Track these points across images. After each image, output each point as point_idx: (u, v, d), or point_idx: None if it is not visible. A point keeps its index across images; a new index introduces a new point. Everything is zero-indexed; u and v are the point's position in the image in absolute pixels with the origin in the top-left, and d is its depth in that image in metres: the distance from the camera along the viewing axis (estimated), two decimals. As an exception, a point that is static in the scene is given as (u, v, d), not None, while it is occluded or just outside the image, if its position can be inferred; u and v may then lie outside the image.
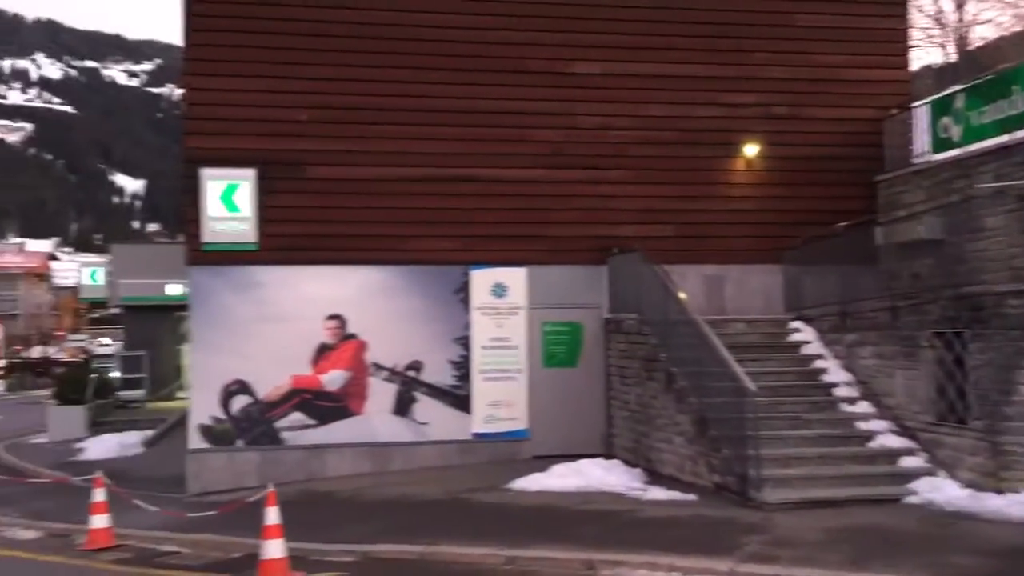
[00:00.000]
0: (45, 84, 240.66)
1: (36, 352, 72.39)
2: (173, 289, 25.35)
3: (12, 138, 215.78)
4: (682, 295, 11.78)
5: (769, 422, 10.17)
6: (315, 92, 13.35)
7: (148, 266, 24.82)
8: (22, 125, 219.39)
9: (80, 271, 26.73)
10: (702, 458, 10.73)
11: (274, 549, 8.03)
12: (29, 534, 11.00)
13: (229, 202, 13.05)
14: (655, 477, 11.53)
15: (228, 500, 10.72)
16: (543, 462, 12.20)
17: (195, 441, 12.95)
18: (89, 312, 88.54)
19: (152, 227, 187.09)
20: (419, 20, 13.65)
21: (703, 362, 10.66)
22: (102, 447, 18.57)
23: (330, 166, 13.38)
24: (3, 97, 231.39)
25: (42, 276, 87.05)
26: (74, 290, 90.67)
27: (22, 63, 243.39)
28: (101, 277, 25.23)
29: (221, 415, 12.98)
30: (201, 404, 12.97)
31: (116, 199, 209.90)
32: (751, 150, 14.35)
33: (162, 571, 8.87)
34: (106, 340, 74.18)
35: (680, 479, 11.14)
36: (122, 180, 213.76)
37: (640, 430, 12.57)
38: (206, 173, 13.00)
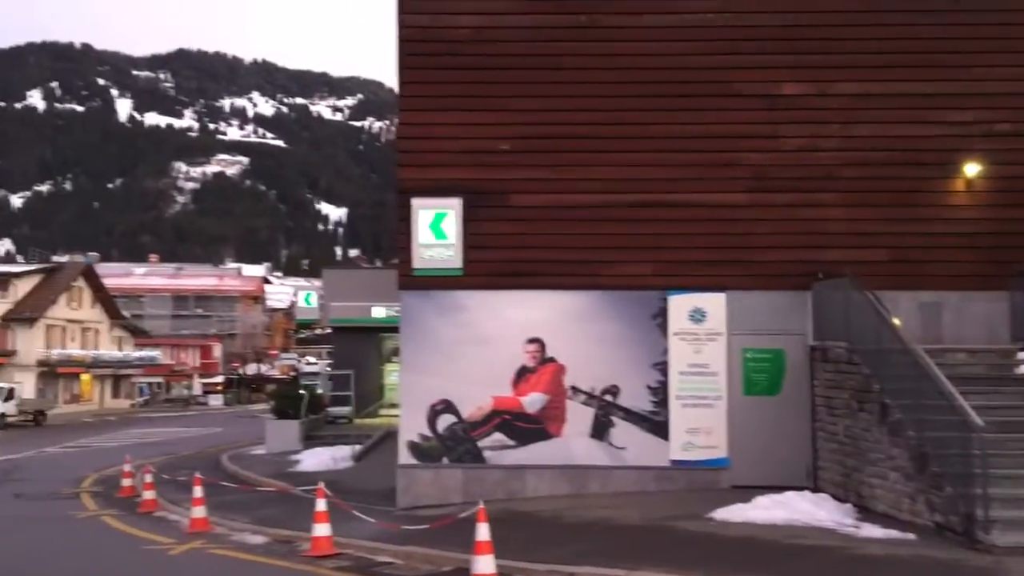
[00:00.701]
0: (260, 120, 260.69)
1: (251, 369, 78.37)
2: (379, 312, 26.78)
3: (231, 171, 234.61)
4: (896, 322, 11.23)
5: (998, 459, 9.48)
6: (519, 123, 13.79)
7: (356, 290, 26.33)
8: (239, 159, 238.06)
9: (296, 294, 28.57)
10: (921, 495, 10.14)
11: (484, 565, 8.31)
12: (257, 539, 11.88)
13: (437, 230, 13.67)
14: (867, 514, 11.00)
15: (437, 515, 11.16)
16: (743, 492, 11.92)
17: (404, 457, 13.57)
18: (296, 332, 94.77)
19: (353, 252, 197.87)
20: (622, 48, 13.83)
21: (922, 394, 10.09)
22: (315, 460, 19.78)
23: (531, 194, 13.74)
24: (224, 133, 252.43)
25: (257, 299, 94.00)
26: (285, 312, 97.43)
27: (240, 101, 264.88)
28: (314, 300, 26.89)
29: (428, 433, 13.55)
30: (410, 422, 13.60)
31: (321, 226, 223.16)
32: (971, 169, 13.48)
33: (379, 581, 9.37)
34: (311, 359, 79.00)
35: (896, 517, 10.56)
36: (326, 208, 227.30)
37: (850, 464, 12.03)
38: (417, 203, 13.69)
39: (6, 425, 41.02)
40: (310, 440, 23.62)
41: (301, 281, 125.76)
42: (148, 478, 15.57)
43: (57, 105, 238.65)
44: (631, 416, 13.47)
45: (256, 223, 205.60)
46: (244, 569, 10.30)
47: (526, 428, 13.54)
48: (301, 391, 25.07)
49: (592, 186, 13.72)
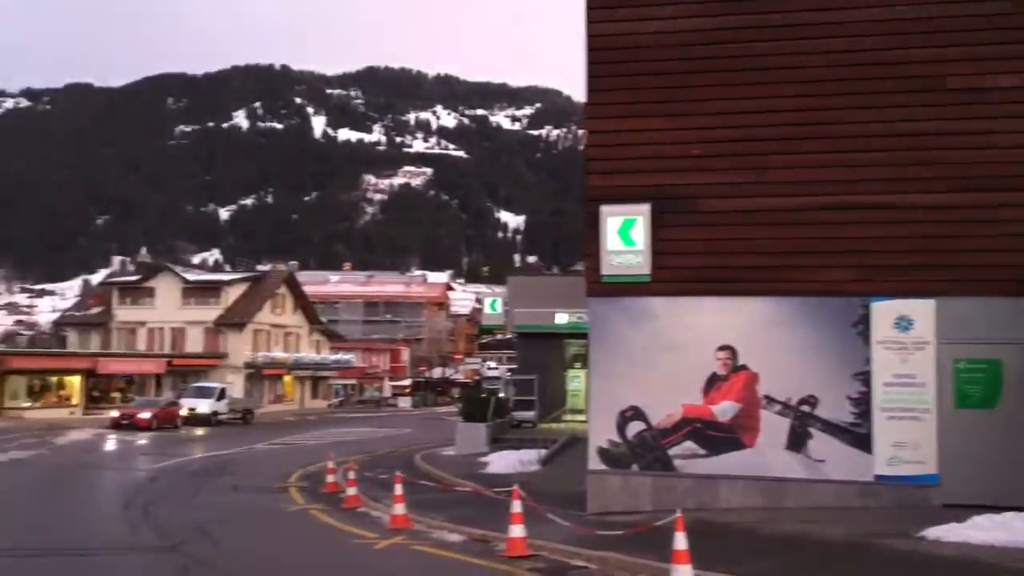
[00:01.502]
0: (443, 132, 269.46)
1: (436, 373, 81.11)
2: (562, 318, 27.09)
3: (416, 182, 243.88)
4: None
5: None
6: (707, 127, 13.57)
7: (540, 296, 26.77)
8: (424, 170, 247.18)
9: (481, 300, 29.32)
10: None
11: (682, 574, 8.23)
12: (455, 537, 12.28)
13: (626, 236, 13.67)
14: (1102, 540, 10.06)
15: (629, 521, 11.18)
16: (957, 511, 11.19)
17: (594, 462, 13.64)
18: (479, 337, 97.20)
19: (531, 259, 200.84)
20: (817, 46, 13.34)
21: None
22: (503, 462, 20.24)
23: (722, 198, 13.49)
24: (409, 146, 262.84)
25: (441, 305, 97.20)
26: (467, 317, 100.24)
27: (424, 115, 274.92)
28: (499, 306, 27.53)
29: (617, 439, 13.56)
30: (600, 428, 13.66)
31: (500, 234, 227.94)
32: None
33: (575, 584, 9.47)
34: (492, 364, 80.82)
35: None
36: (505, 216, 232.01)
37: (1079, 484, 11.05)
38: (605, 210, 13.75)
39: (219, 423, 44.37)
40: (496, 443, 24.18)
41: (482, 287, 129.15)
42: (351, 475, 16.40)
43: (259, 124, 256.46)
44: (830, 428, 12.95)
45: (439, 232, 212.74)
46: (445, 566, 10.69)
47: (718, 437, 13.29)
48: (486, 395, 25.72)
49: (785, 189, 13.29)
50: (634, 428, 13.54)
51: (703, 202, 13.56)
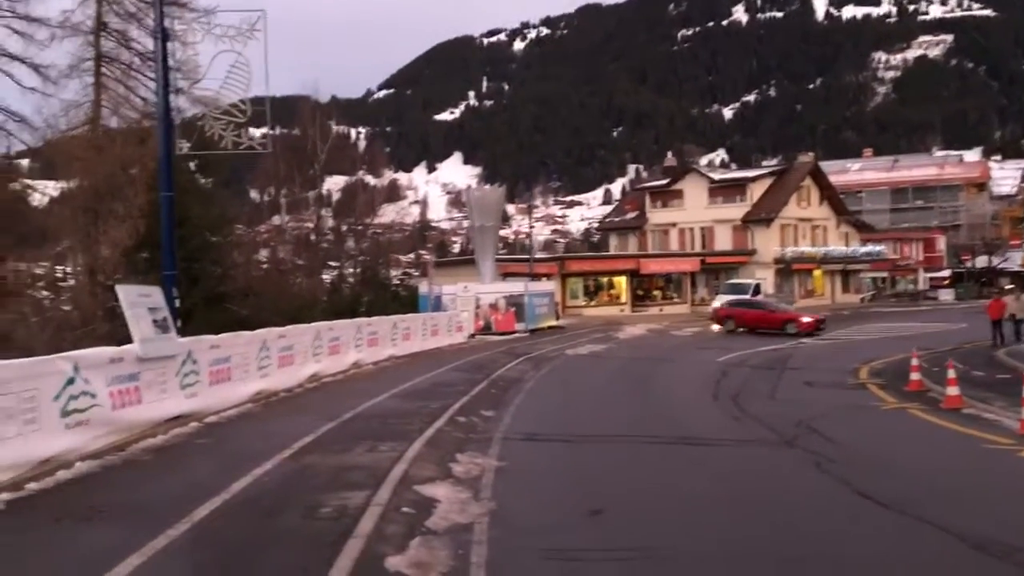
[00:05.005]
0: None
1: (980, 262, 72.90)
2: None
3: (933, 52, 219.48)
4: None
5: None
6: None
7: None
8: (943, 38, 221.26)
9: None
10: None
11: None
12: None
13: None
14: None
15: None
16: None
17: None
18: (1022, 221, 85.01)
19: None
20: None
21: None
22: None
23: None
24: (925, 13, 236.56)
25: (982, 186, 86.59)
26: (1010, 199, 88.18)
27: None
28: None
29: None
30: None
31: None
32: None
33: None
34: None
35: None
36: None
37: None
38: None
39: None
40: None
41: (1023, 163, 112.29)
42: (951, 373, 15.11)
43: (759, 16, 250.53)
44: None
45: (964, 105, 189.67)
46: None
47: None
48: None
49: None
50: None
51: None
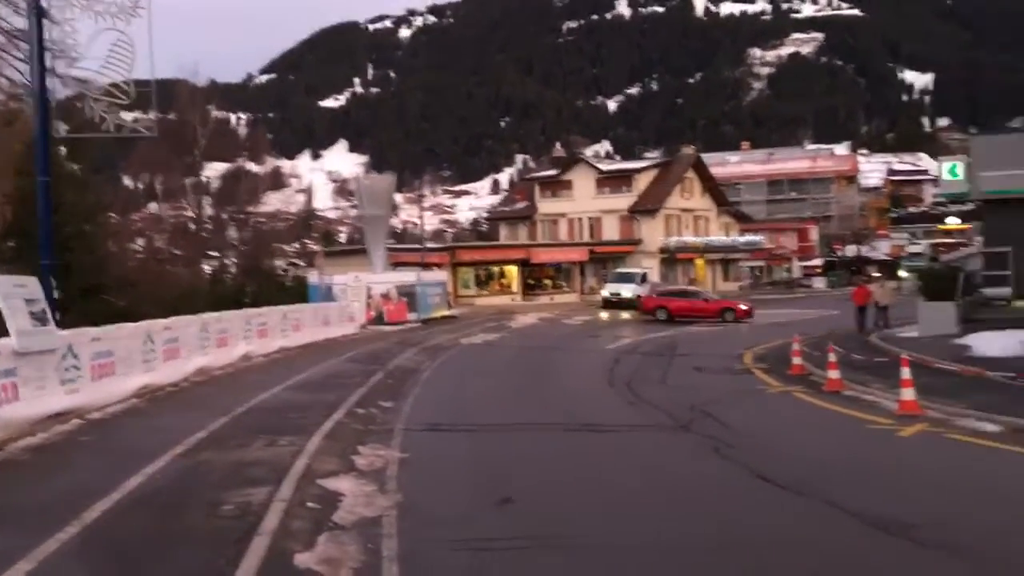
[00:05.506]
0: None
1: (850, 251, 76.85)
2: (1041, 180, 23.50)
3: (805, 50, 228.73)
4: None
5: None
6: None
7: (1014, 157, 23.39)
8: (814, 36, 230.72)
9: (940, 167, 26.40)
10: None
11: None
12: (989, 427, 11.17)
13: None
14: None
15: None
16: None
17: None
18: (887, 212, 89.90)
19: (942, 122, 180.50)
20: None
21: None
22: (991, 344, 18.30)
23: None
24: (797, 11, 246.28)
25: (851, 179, 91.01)
26: (877, 191, 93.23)
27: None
28: (961, 171, 24.56)
29: None
30: None
31: (904, 96, 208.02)
32: None
33: None
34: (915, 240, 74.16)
35: None
36: (910, 76, 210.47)
37: None
38: None
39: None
40: (967, 324, 21.98)
41: (889, 157, 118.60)
42: (832, 357, 15.78)
43: (641, 10, 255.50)
44: None
45: (834, 101, 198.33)
46: (1005, 460, 9.70)
47: None
48: (953, 271, 23.38)
49: None
50: None
51: None
